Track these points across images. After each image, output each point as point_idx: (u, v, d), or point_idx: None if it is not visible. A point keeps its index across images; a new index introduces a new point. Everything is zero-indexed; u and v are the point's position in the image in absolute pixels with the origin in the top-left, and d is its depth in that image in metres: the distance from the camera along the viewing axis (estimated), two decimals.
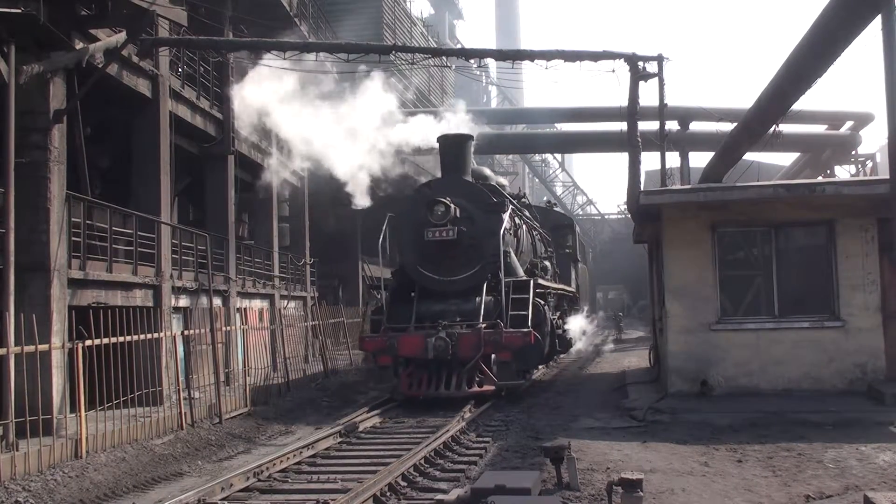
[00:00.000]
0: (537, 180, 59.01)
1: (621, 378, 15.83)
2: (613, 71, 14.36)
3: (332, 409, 13.30)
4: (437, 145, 14.96)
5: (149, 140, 13.94)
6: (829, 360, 11.83)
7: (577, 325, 20.12)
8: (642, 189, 14.82)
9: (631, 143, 15.59)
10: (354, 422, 10.95)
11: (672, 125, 22.67)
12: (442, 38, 50.64)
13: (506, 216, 13.89)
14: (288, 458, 8.64)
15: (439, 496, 6.61)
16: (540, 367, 16.91)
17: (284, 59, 13.43)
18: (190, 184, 17.53)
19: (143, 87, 13.48)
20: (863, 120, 28.95)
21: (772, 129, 11.57)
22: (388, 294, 14.14)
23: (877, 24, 7.29)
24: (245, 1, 17.51)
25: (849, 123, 29.17)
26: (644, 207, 12.85)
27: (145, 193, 13.92)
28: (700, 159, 23.81)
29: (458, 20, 66.00)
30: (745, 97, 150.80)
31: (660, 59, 15.12)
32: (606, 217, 62.11)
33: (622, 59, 14.36)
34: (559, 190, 61.72)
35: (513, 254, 14.57)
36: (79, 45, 11.11)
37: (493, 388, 12.54)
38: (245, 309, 16.47)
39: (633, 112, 15.22)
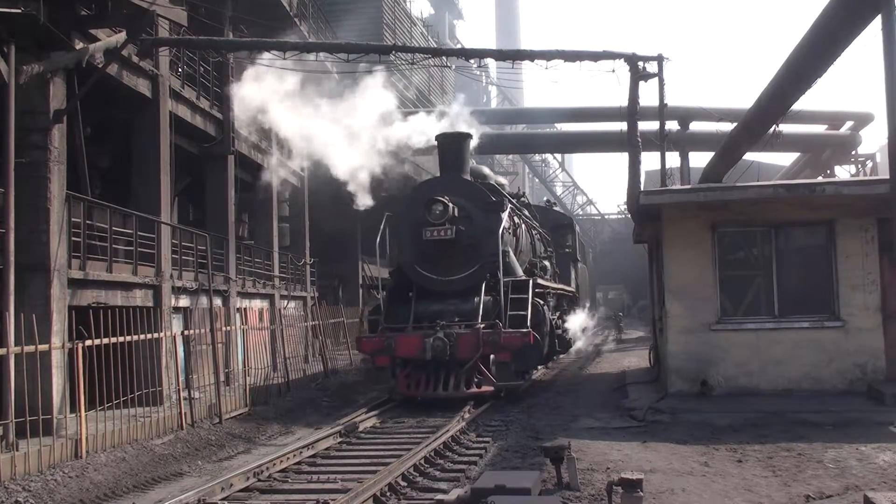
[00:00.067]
0: (537, 180, 59.01)
1: (621, 378, 15.83)
2: (613, 71, 14.36)
3: (332, 409, 13.30)
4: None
5: (149, 140, 13.94)
6: (829, 360, 11.83)
7: (577, 321, 20.12)
8: (642, 189, 14.81)
9: (631, 143, 15.59)
10: (354, 422, 10.95)
11: (672, 125, 22.69)
12: (442, 38, 50.62)
13: (504, 215, 13.84)
14: (288, 458, 8.64)
15: (439, 496, 6.61)
16: (539, 367, 16.88)
17: (284, 58, 13.42)
18: (190, 184, 17.52)
19: (143, 87, 13.48)
20: (863, 120, 28.96)
21: (772, 129, 11.57)
22: (386, 294, 14.10)
23: (877, 24, 7.29)
24: (245, 1, 17.50)
25: (849, 123, 29.19)
26: (644, 207, 12.85)
27: (145, 193, 13.92)
28: (700, 159, 23.86)
29: (458, 20, 66.02)
30: (745, 97, 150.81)
31: (660, 59, 15.12)
32: (606, 217, 62.16)
33: (622, 59, 14.35)
34: (559, 190, 61.74)
35: (512, 253, 14.52)
36: (79, 45, 11.11)
37: (491, 388, 12.45)
38: (245, 309, 16.47)
39: (633, 112, 15.22)
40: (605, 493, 6.36)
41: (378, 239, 14.25)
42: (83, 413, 9.06)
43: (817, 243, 12.32)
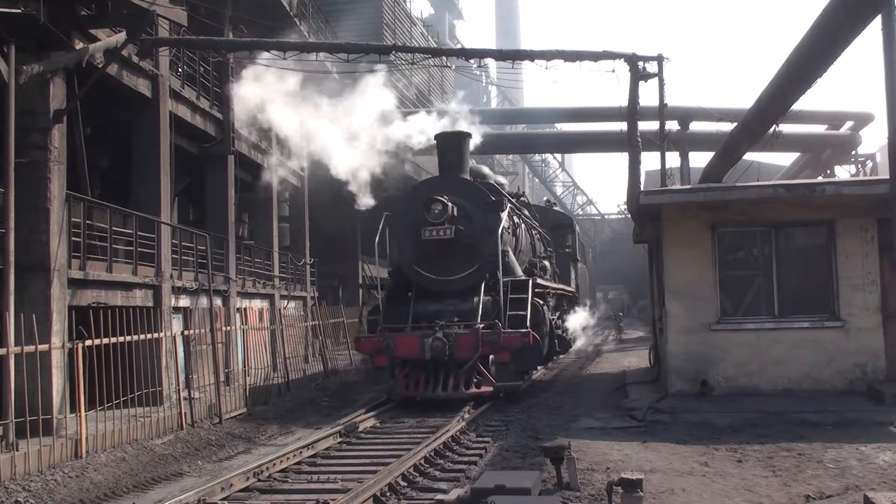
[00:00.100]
0: (537, 180, 59.04)
1: (621, 378, 15.83)
2: (613, 71, 14.36)
3: (332, 409, 13.30)
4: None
5: (149, 140, 13.93)
6: (829, 360, 11.83)
7: (577, 321, 20.10)
8: (642, 189, 14.81)
9: (631, 143, 15.59)
10: (354, 422, 10.94)
11: (672, 125, 22.69)
12: (442, 38, 50.63)
13: (504, 215, 13.81)
14: (288, 458, 8.64)
15: (439, 496, 6.61)
16: (539, 367, 16.86)
17: (284, 58, 13.42)
18: (190, 184, 17.52)
19: (143, 87, 13.48)
20: (863, 120, 28.97)
21: (772, 129, 11.57)
22: (385, 294, 14.07)
23: (877, 24, 7.30)
24: (245, 1, 17.50)
25: (849, 123, 29.19)
26: (644, 207, 12.84)
27: (145, 193, 13.92)
28: (700, 159, 23.87)
29: (458, 20, 66.03)
30: (745, 97, 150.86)
31: (660, 59, 15.11)
32: (606, 217, 62.19)
33: (622, 59, 14.35)
34: (559, 190, 61.77)
35: (511, 253, 14.48)
36: (79, 45, 11.11)
37: (490, 389, 12.39)
38: (245, 309, 16.47)
39: (633, 112, 15.22)
40: (605, 493, 6.36)
41: (377, 238, 14.23)
42: (83, 413, 9.06)
43: (817, 243, 12.32)
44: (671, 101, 16.83)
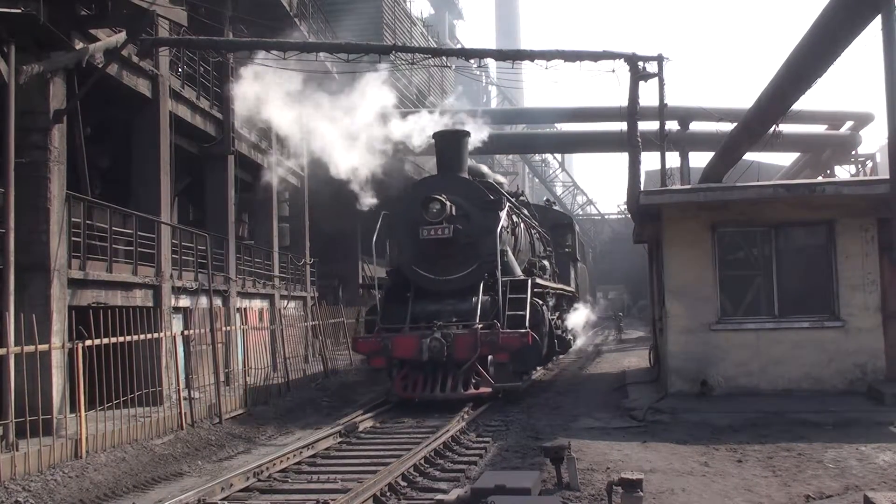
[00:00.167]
0: (537, 180, 59.03)
1: (621, 378, 15.82)
2: (613, 71, 14.36)
3: (332, 409, 13.29)
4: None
5: (149, 140, 13.94)
6: (829, 360, 11.83)
7: (576, 321, 20.06)
8: (642, 189, 14.81)
9: (631, 143, 15.59)
10: (354, 422, 10.93)
11: (672, 125, 22.67)
12: (442, 38, 50.62)
13: (503, 214, 13.75)
14: (288, 458, 8.64)
15: (439, 496, 6.61)
16: (539, 367, 16.83)
17: (284, 58, 13.42)
18: (190, 184, 17.53)
19: (143, 87, 13.48)
20: (863, 120, 28.95)
21: (772, 129, 11.57)
22: (383, 294, 14.00)
23: (877, 24, 7.30)
24: (245, 1, 17.51)
25: (849, 123, 29.17)
26: (644, 207, 12.84)
27: (145, 193, 13.92)
28: (700, 159, 23.85)
29: (458, 20, 66.03)
30: (745, 97, 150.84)
31: (660, 59, 15.11)
32: (606, 217, 62.20)
33: (622, 59, 14.35)
34: (559, 190, 61.77)
35: (510, 252, 14.43)
36: (79, 45, 11.11)
37: (489, 390, 12.29)
38: (245, 309, 16.47)
39: (633, 112, 15.22)
40: (605, 493, 6.36)
41: (374, 238, 14.19)
42: (83, 413, 9.06)
43: (817, 243, 12.31)
44: (671, 101, 16.84)
